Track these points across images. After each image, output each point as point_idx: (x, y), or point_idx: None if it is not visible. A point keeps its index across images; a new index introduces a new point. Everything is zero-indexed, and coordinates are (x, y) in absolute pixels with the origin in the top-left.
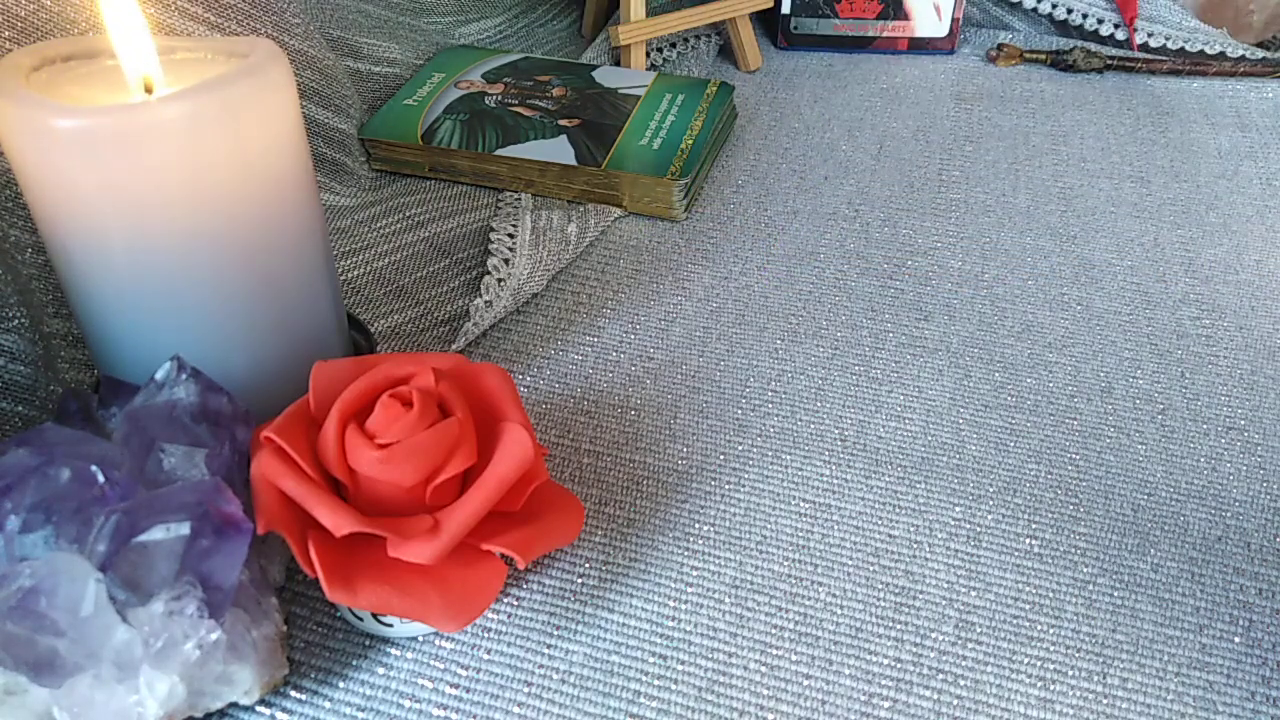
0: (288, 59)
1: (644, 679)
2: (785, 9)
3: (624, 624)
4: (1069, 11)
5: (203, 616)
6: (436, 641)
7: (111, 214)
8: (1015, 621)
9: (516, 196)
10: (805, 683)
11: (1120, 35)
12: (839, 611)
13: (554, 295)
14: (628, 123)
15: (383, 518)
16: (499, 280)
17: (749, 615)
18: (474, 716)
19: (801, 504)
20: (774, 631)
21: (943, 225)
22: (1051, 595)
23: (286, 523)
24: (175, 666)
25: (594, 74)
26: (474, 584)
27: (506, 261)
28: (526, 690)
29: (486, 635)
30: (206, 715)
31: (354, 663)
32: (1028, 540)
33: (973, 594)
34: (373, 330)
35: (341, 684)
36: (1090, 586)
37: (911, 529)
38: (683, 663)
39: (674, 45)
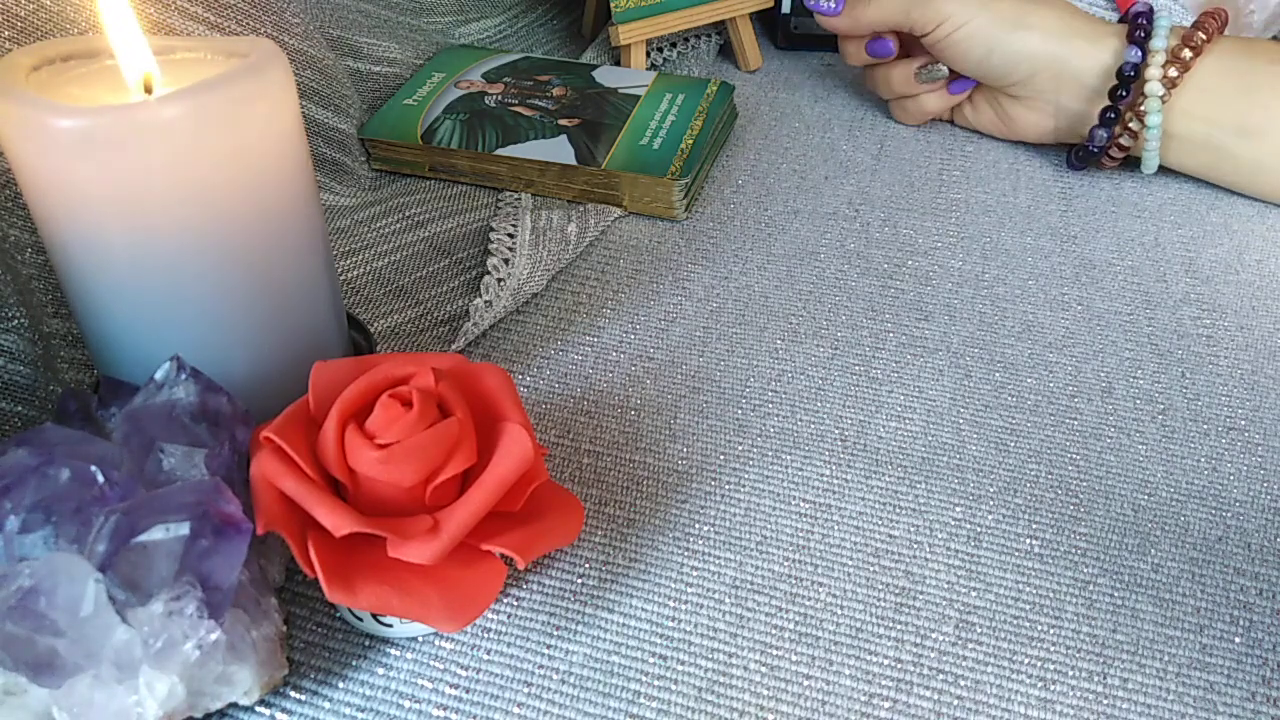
0: (287, 59)
1: (644, 679)
2: (785, 9)
3: (624, 624)
4: None
5: (202, 617)
6: (436, 642)
7: (111, 214)
8: (1015, 622)
9: (516, 196)
10: (805, 683)
11: None
12: (839, 612)
13: (554, 295)
14: (628, 122)
15: (382, 518)
16: (499, 280)
17: (749, 615)
18: (474, 717)
19: (801, 504)
20: (774, 632)
21: (943, 225)
22: (1052, 595)
23: (286, 523)
24: (175, 667)
25: (594, 74)
26: (474, 584)
27: (506, 261)
28: (526, 690)
29: (486, 635)
30: (206, 715)
31: (354, 663)
32: (1028, 540)
33: (973, 594)
34: (372, 330)
35: (341, 684)
36: (1090, 586)
37: (912, 529)
38: (683, 663)
39: (674, 45)
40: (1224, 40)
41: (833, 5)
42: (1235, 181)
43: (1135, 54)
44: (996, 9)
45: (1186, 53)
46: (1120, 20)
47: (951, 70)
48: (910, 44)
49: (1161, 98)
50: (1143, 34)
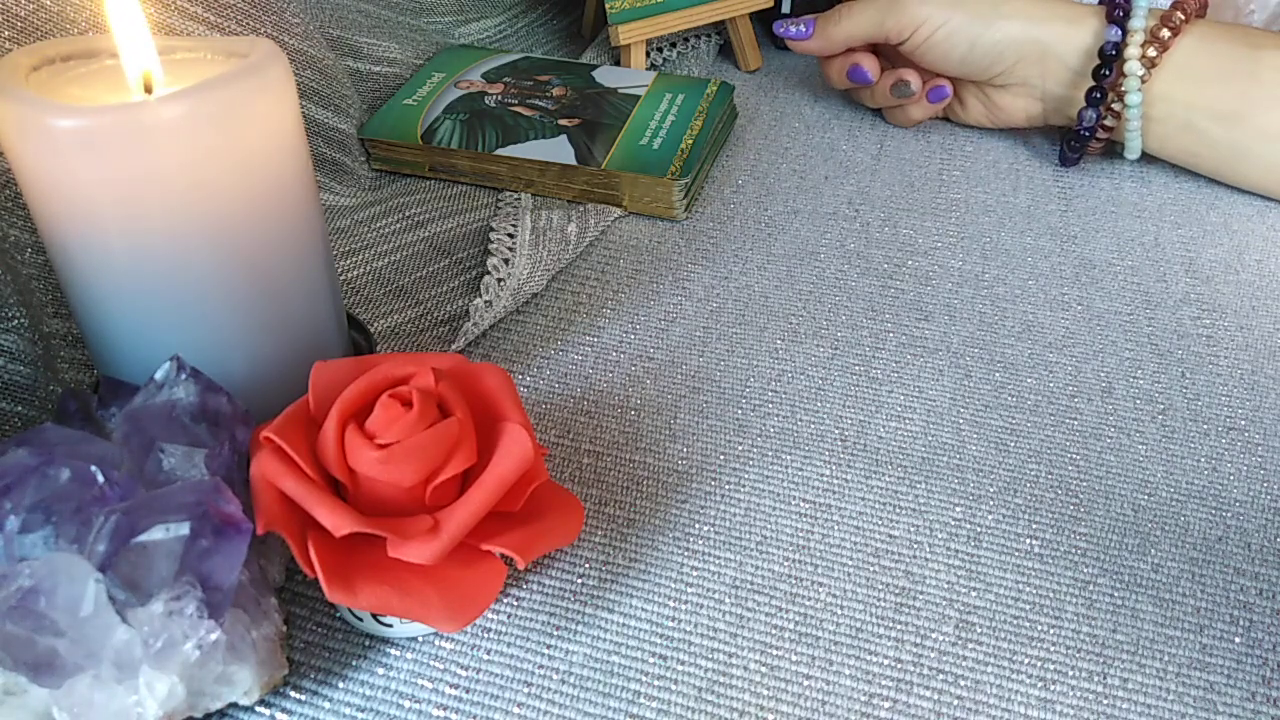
0: (287, 59)
1: (644, 679)
2: (785, 9)
3: (624, 624)
4: None
5: (202, 617)
6: (436, 642)
7: (111, 214)
8: (1015, 622)
9: (516, 196)
10: (805, 683)
11: None
12: (839, 612)
13: (554, 295)
14: (628, 122)
15: (382, 518)
16: (499, 280)
17: (749, 615)
18: (474, 717)
19: (801, 504)
20: (774, 632)
21: (943, 225)
22: (1052, 595)
23: (286, 523)
24: (175, 667)
25: (594, 74)
26: (474, 584)
27: (506, 261)
28: (526, 690)
29: (486, 635)
30: (206, 715)
31: (354, 663)
32: (1028, 540)
33: (973, 594)
34: (372, 330)
35: (341, 684)
36: (1090, 586)
37: (912, 529)
38: (683, 663)
39: (674, 45)
40: (1202, 23)
41: (803, 29)
42: (1217, 169)
43: (1115, 33)
44: (970, 4)
45: (1165, 32)
46: (1099, 2)
47: (925, 76)
48: (891, 54)
49: (1141, 77)
50: (1121, 13)
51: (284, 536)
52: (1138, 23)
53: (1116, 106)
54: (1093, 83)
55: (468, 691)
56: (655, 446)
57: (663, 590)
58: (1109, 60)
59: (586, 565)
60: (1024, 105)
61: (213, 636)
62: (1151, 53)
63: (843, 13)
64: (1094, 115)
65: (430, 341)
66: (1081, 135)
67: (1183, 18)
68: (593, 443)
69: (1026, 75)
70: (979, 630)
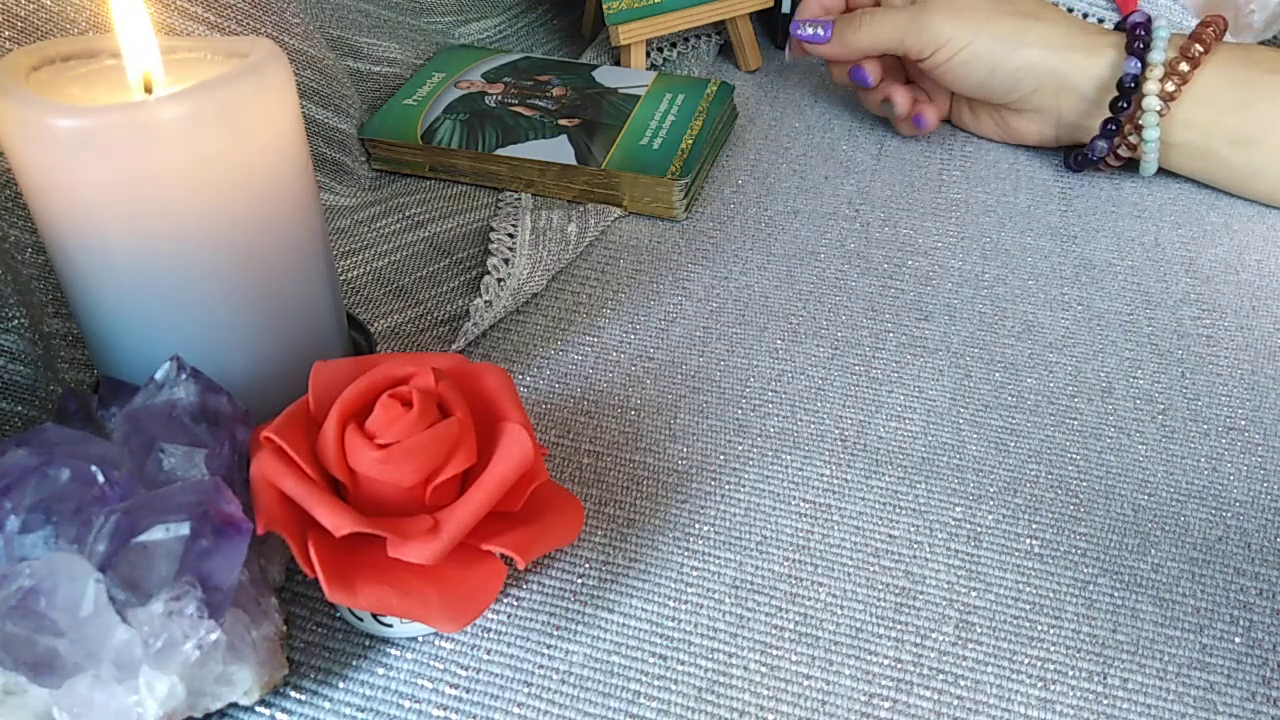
0: (287, 59)
1: (644, 679)
2: (785, 9)
3: (624, 624)
4: (1069, 10)
5: (202, 616)
6: (436, 642)
7: (111, 214)
8: (1015, 622)
9: (516, 196)
10: (805, 683)
11: None
12: (839, 612)
13: (554, 295)
14: (628, 122)
15: (382, 518)
16: (499, 280)
17: (749, 615)
18: (474, 717)
19: (801, 504)
20: (774, 632)
21: (943, 225)
22: (1052, 595)
23: (286, 523)
24: (175, 667)
25: (594, 74)
26: (474, 584)
27: (506, 261)
28: (526, 690)
29: (486, 635)
30: (206, 715)
31: (354, 663)
32: (1028, 540)
33: (973, 594)
34: (372, 330)
35: (341, 684)
36: (1091, 586)
37: (912, 529)
38: (683, 663)
39: (674, 45)
40: (1222, 49)
41: (821, 32)
42: (1229, 185)
43: (1134, 65)
44: (994, 28)
45: (1184, 66)
46: (1118, 27)
47: (922, 96)
48: (910, 66)
49: (1159, 112)
50: (1141, 45)
51: (284, 536)
52: (1157, 55)
53: (1133, 138)
54: (1109, 114)
55: (468, 691)
56: (655, 446)
57: (663, 590)
58: (1127, 93)
59: (586, 565)
60: (1038, 129)
61: (213, 636)
62: (1170, 87)
63: (864, 20)
64: (1105, 147)
65: (430, 341)
66: (1090, 159)
67: (1202, 49)
68: (593, 443)
69: (1042, 103)
70: (979, 630)
